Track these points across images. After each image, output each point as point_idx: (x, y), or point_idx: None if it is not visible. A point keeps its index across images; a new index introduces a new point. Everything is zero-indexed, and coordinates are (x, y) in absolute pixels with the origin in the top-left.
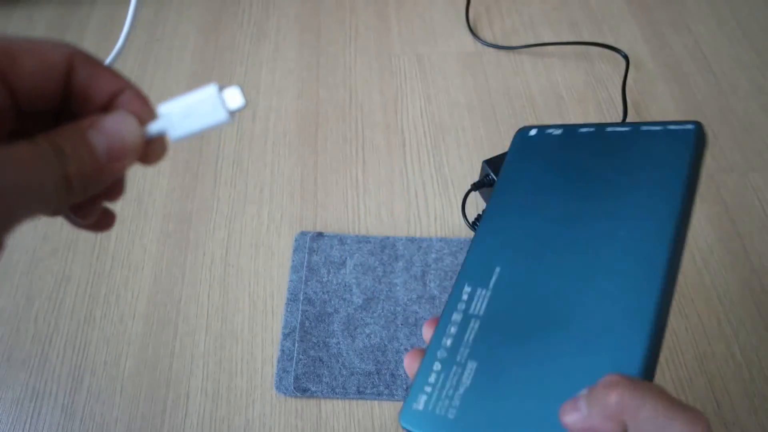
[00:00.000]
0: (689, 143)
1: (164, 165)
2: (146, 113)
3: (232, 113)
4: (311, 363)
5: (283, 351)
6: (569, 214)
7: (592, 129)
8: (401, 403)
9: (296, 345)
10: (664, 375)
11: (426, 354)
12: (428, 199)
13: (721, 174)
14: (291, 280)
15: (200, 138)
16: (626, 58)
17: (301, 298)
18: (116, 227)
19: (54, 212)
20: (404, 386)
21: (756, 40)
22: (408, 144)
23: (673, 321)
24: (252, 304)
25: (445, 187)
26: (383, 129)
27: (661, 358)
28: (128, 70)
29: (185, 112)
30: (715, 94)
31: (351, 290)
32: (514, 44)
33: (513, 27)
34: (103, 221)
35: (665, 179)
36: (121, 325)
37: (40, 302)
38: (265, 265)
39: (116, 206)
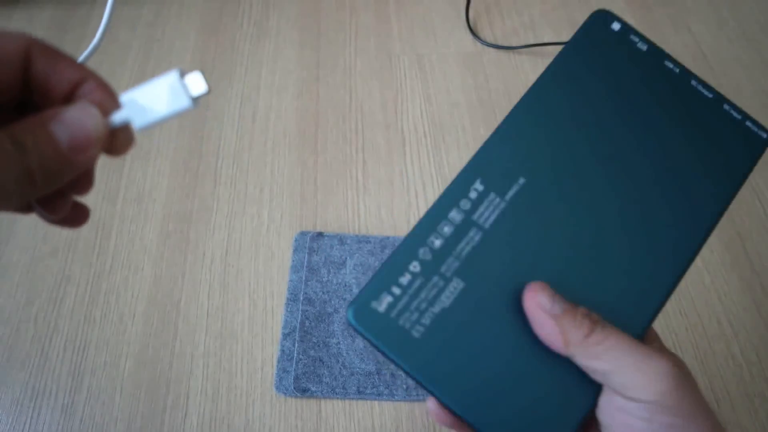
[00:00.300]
0: (757, 149)
1: (164, 165)
2: (109, 103)
3: (196, 100)
4: (311, 363)
5: (283, 351)
6: (619, 145)
7: (677, 70)
8: (401, 403)
9: (296, 345)
10: None
11: (403, 243)
12: (428, 199)
13: None
14: (291, 280)
15: (200, 138)
16: None
17: (301, 298)
18: (116, 227)
19: (18, 208)
20: (404, 386)
21: (756, 40)
22: (408, 144)
23: (673, 320)
24: (252, 304)
25: (445, 187)
26: (383, 129)
27: None
28: (128, 70)
29: (148, 100)
30: None
31: (351, 290)
32: (514, 44)
33: (513, 27)
34: (75, 216)
35: (724, 168)
36: (121, 325)
37: (40, 302)
38: (265, 265)
39: (116, 206)
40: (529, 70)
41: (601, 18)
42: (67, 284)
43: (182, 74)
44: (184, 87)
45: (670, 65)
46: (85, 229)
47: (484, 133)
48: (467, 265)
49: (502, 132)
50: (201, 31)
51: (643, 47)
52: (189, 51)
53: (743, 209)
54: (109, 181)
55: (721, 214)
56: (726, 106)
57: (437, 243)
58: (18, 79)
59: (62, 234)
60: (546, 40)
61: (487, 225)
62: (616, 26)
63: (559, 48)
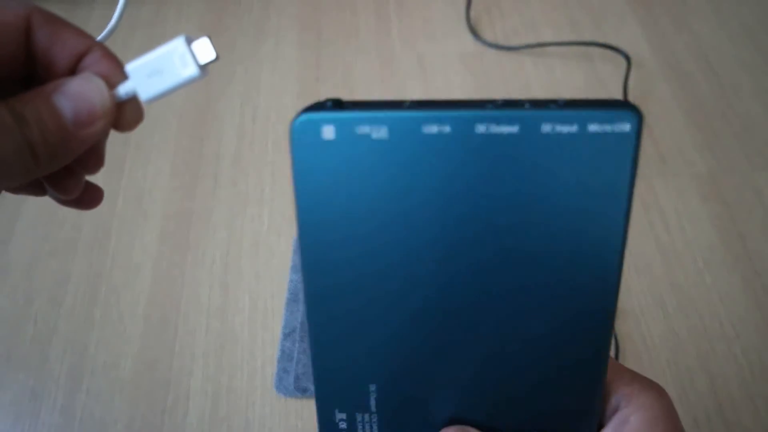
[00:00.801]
0: (625, 152)
1: (164, 165)
2: (115, 74)
3: (204, 67)
4: (311, 363)
5: (283, 351)
6: (455, 269)
7: (444, 125)
8: None
9: (296, 345)
10: (665, 375)
11: None
12: None
13: (722, 174)
14: (291, 280)
15: (200, 138)
16: (627, 58)
17: (302, 298)
18: (116, 227)
19: (25, 186)
20: None
21: (758, 40)
22: None
23: (675, 321)
24: (252, 304)
25: None
26: None
27: (663, 359)
28: None
29: (155, 70)
30: (717, 93)
31: None
32: (514, 44)
33: (513, 27)
34: (88, 197)
35: (604, 205)
36: (121, 326)
37: (40, 302)
38: (266, 266)
39: (116, 206)
40: (530, 69)
41: (303, 131)
42: (67, 284)
43: (189, 41)
44: (192, 54)
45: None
46: (85, 229)
47: None
48: None
49: (318, 340)
50: (201, 30)
51: (382, 133)
52: None
53: (745, 210)
54: (110, 181)
55: (620, 260)
56: (545, 126)
57: None
58: (20, 51)
59: (62, 234)
60: (547, 40)
61: None
62: (329, 133)
63: (560, 48)
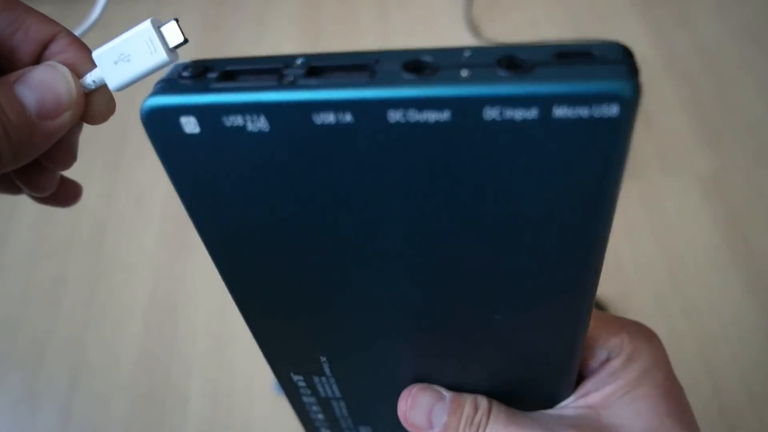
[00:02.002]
0: (616, 135)
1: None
2: (83, 62)
3: (173, 51)
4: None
5: None
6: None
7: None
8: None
9: None
10: None
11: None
12: None
13: (725, 173)
14: None
15: None
16: None
17: None
18: (115, 227)
19: None
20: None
21: (761, 38)
22: None
23: (677, 322)
24: None
25: None
26: None
27: None
28: None
29: (122, 56)
30: (720, 92)
31: None
32: (515, 42)
33: (514, 26)
34: (65, 194)
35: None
36: (120, 327)
37: (37, 303)
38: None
39: (114, 206)
40: None
41: (154, 120)
42: (65, 285)
43: (156, 24)
44: (161, 38)
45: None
46: (83, 230)
47: None
48: (356, 416)
49: (254, 325)
50: (200, 30)
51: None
52: (187, 48)
53: (748, 209)
54: (108, 180)
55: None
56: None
57: (322, 419)
58: None
59: (60, 234)
60: (548, 39)
61: (337, 394)
62: (190, 126)
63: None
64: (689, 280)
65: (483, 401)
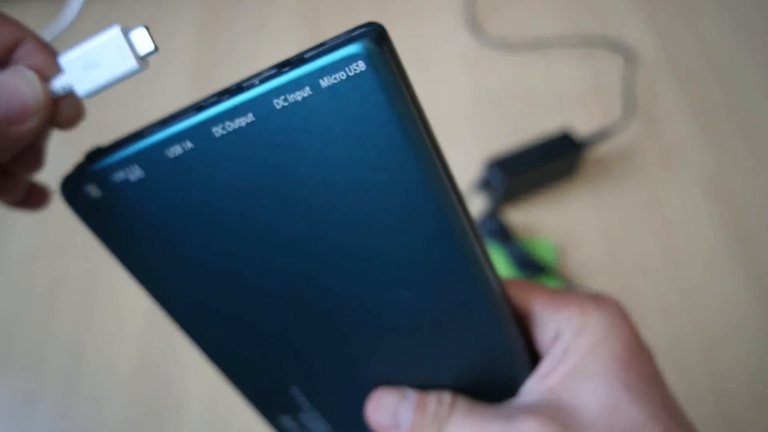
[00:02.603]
0: (376, 94)
1: None
2: (50, 67)
3: (143, 60)
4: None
5: None
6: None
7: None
8: None
9: None
10: (667, 376)
11: None
12: None
13: (727, 173)
14: None
15: None
16: (631, 56)
17: None
18: None
19: None
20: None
21: (763, 38)
22: None
23: (677, 322)
24: None
25: None
26: None
27: (664, 360)
28: None
29: (91, 62)
30: (721, 92)
31: None
32: (516, 43)
33: (515, 26)
34: (33, 199)
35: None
36: (119, 326)
37: (36, 303)
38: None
39: None
40: (531, 69)
41: (69, 195)
42: (63, 284)
43: (125, 31)
44: (131, 45)
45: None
46: (83, 230)
47: (484, 133)
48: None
49: (223, 370)
50: (199, 29)
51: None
52: (187, 49)
53: (749, 209)
54: None
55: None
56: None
57: None
58: None
59: (59, 233)
60: (548, 39)
61: (329, 426)
62: (94, 191)
63: (562, 46)
64: (690, 280)
65: (447, 396)
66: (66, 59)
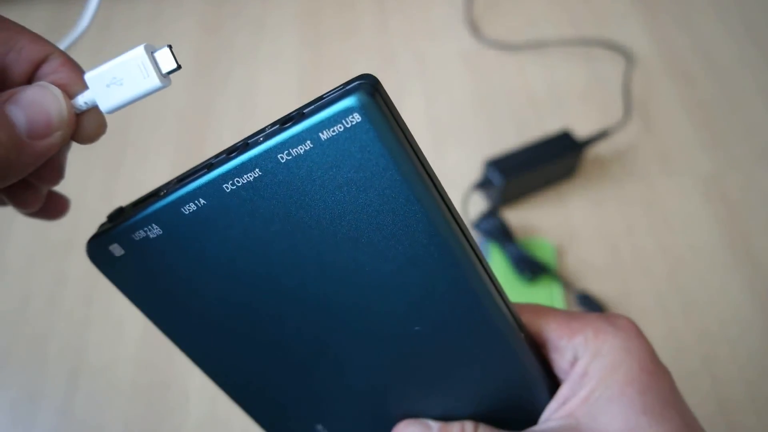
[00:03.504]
0: (374, 144)
1: (163, 165)
2: (75, 83)
3: (166, 77)
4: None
5: None
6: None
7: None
8: None
9: None
10: None
11: None
12: None
13: (726, 173)
14: None
15: (201, 138)
16: (630, 56)
17: None
18: None
19: None
20: None
21: (761, 38)
22: None
23: (677, 322)
24: None
25: (445, 187)
26: None
27: (665, 359)
28: None
29: (115, 79)
30: (721, 92)
31: None
32: (515, 43)
33: (514, 26)
34: (52, 208)
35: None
36: (120, 326)
37: (36, 303)
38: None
39: (115, 205)
40: (531, 69)
41: (95, 256)
42: (65, 285)
43: (150, 50)
44: (154, 64)
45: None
46: (82, 230)
47: (484, 133)
48: None
49: (248, 410)
50: (200, 30)
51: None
52: (187, 50)
53: (748, 209)
54: (107, 182)
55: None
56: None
57: None
58: None
59: (59, 234)
60: (548, 39)
61: None
62: (117, 250)
63: (561, 47)
64: (689, 280)
65: (469, 426)
66: (90, 76)
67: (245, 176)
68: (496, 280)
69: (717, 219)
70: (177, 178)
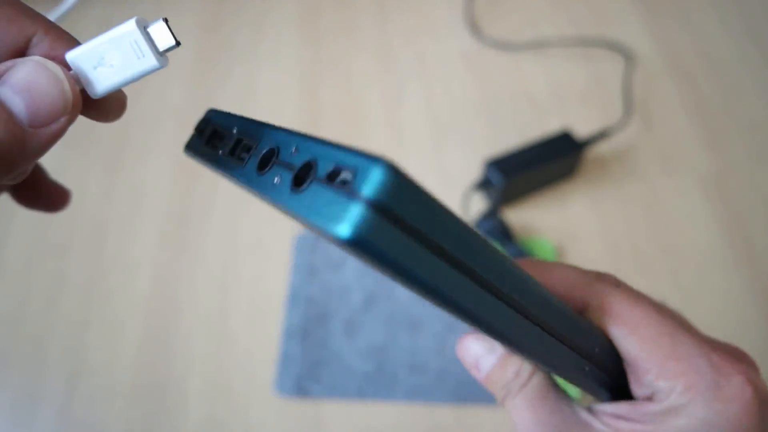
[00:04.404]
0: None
1: (163, 164)
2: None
3: (163, 55)
4: (311, 364)
5: (283, 352)
6: None
7: None
8: (402, 404)
9: (296, 346)
10: None
11: None
12: None
13: (726, 173)
14: (291, 281)
15: None
16: (630, 56)
17: (302, 299)
18: (114, 227)
19: None
20: (404, 386)
21: (761, 37)
22: (408, 144)
23: None
24: (252, 304)
25: (445, 187)
26: (383, 128)
27: None
28: None
29: (103, 60)
30: (721, 92)
31: (351, 290)
32: (515, 43)
33: (515, 26)
34: (54, 200)
35: None
36: (119, 327)
37: (36, 303)
38: (266, 266)
39: (114, 206)
40: (531, 69)
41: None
42: (64, 285)
43: (143, 24)
44: (149, 41)
45: None
46: (82, 229)
47: (484, 133)
48: None
49: None
50: (199, 30)
51: None
52: (187, 50)
53: (749, 209)
54: (107, 181)
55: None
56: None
57: None
58: None
59: (59, 234)
60: (548, 39)
61: None
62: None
63: (561, 46)
64: (690, 280)
65: (525, 371)
66: (74, 55)
67: None
68: (563, 328)
69: (717, 219)
70: None
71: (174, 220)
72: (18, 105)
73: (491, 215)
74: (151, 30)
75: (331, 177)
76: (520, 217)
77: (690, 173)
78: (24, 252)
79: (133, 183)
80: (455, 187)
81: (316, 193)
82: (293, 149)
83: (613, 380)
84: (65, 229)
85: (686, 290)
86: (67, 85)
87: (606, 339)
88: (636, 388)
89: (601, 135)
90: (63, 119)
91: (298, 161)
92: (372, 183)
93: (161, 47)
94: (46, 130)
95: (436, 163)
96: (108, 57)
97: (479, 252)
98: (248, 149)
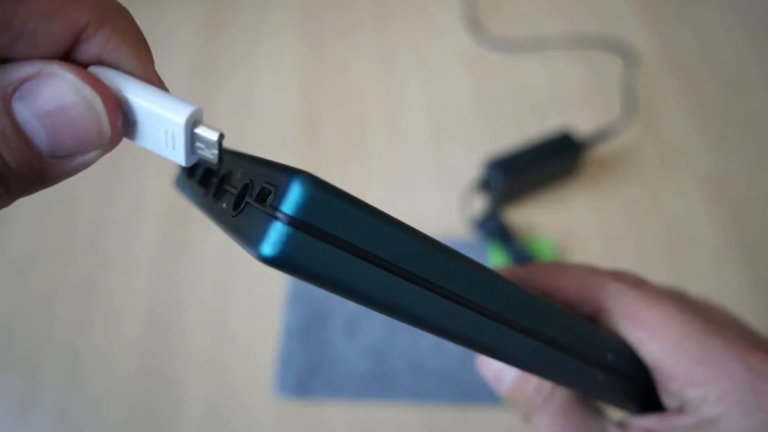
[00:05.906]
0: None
1: (164, 165)
2: (146, 71)
3: (194, 154)
4: (311, 363)
5: (283, 351)
6: None
7: None
8: (402, 404)
9: (296, 345)
10: None
11: None
12: (428, 199)
13: (727, 173)
14: (291, 280)
15: None
16: (631, 56)
17: (302, 298)
18: (114, 227)
19: None
20: (404, 386)
21: (762, 38)
22: (408, 144)
23: None
24: (252, 304)
25: (445, 186)
26: (383, 129)
27: None
28: None
29: (134, 117)
30: (721, 92)
31: None
32: (515, 43)
33: (515, 26)
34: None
35: None
36: (118, 327)
37: (35, 304)
38: (266, 266)
39: (114, 206)
40: (531, 68)
41: None
42: (63, 286)
43: (195, 121)
44: (189, 139)
45: None
46: (82, 229)
47: (484, 133)
48: None
49: None
50: (199, 30)
51: None
52: (186, 51)
53: (750, 209)
54: (108, 180)
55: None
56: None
57: None
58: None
59: (59, 233)
60: (548, 39)
61: None
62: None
63: (562, 46)
64: (690, 280)
65: (547, 384)
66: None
67: None
68: (575, 343)
69: (717, 218)
70: None
71: (174, 220)
72: (38, 131)
73: (491, 215)
74: (199, 131)
75: (260, 197)
76: (521, 217)
77: (691, 173)
78: (23, 252)
79: (134, 182)
80: (455, 187)
81: (248, 214)
82: (239, 173)
83: (640, 390)
84: (65, 229)
85: (686, 289)
86: (105, 120)
87: (624, 345)
88: (665, 398)
89: (602, 135)
90: (93, 154)
91: (239, 184)
92: (290, 199)
93: (198, 152)
94: (70, 162)
95: (436, 163)
96: (141, 122)
97: (418, 253)
98: (216, 178)
